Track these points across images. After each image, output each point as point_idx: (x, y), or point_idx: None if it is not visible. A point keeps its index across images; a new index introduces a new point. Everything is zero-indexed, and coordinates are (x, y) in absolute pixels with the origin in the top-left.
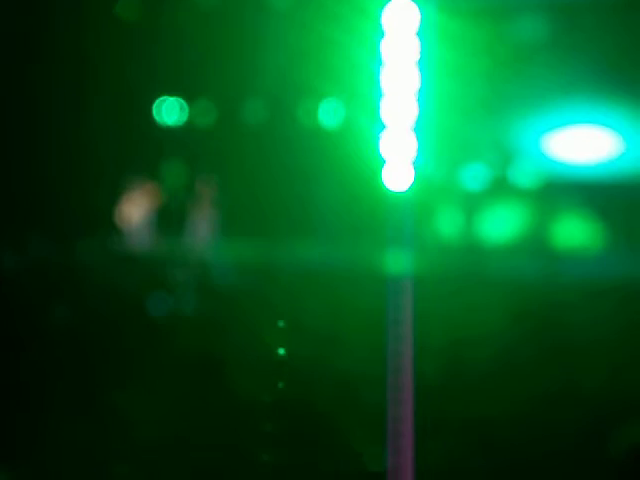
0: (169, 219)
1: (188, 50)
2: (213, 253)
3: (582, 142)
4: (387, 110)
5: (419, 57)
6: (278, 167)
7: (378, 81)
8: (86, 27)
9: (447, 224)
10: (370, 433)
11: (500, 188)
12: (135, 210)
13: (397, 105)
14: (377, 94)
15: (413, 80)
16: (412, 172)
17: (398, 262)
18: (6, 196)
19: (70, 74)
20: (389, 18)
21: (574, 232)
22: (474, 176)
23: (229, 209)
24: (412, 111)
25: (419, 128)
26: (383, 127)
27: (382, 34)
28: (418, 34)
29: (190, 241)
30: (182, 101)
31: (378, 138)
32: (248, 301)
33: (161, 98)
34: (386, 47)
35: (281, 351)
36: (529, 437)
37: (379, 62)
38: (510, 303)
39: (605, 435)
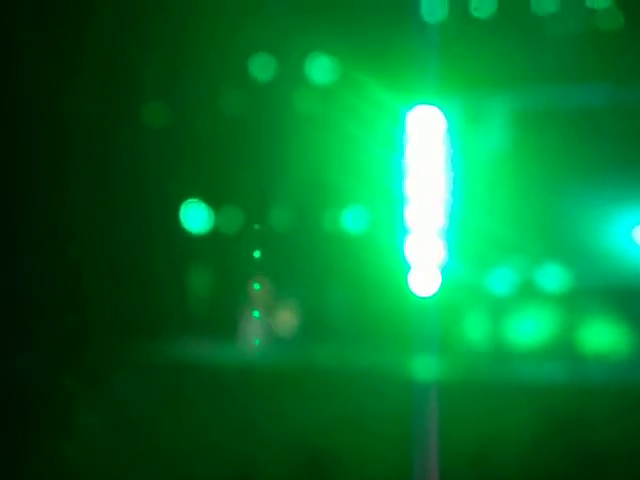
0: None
1: (214, 155)
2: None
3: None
4: (413, 214)
5: (445, 162)
6: (305, 273)
7: (403, 186)
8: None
9: (474, 328)
10: None
11: (528, 291)
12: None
13: (423, 209)
14: (403, 199)
15: (439, 185)
16: (439, 276)
17: (425, 368)
18: None
19: None
20: (415, 123)
21: (603, 336)
22: (502, 279)
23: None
24: (439, 215)
25: (446, 232)
26: (409, 232)
27: (408, 139)
28: (443, 139)
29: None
30: (208, 207)
31: (404, 242)
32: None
33: (187, 203)
34: (412, 152)
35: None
36: None
37: (405, 167)
38: (537, 407)
39: None
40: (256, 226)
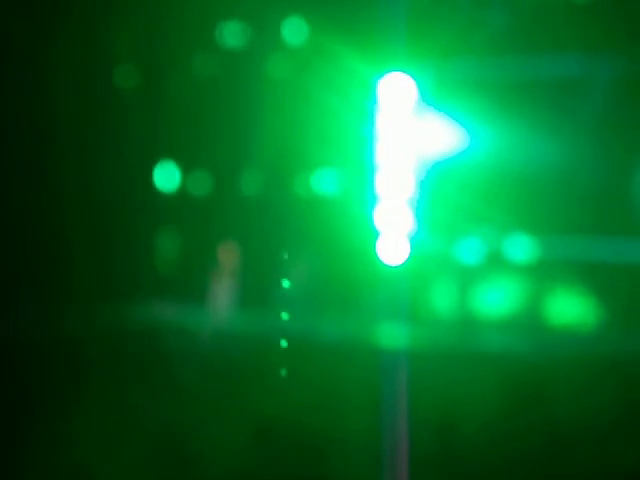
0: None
1: (184, 119)
2: (221, 323)
3: None
4: (383, 183)
5: (415, 131)
6: (272, 236)
7: (374, 153)
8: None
9: (442, 297)
10: None
11: (496, 262)
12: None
13: (392, 178)
14: (373, 166)
15: (409, 153)
16: (408, 245)
17: (392, 336)
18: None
19: None
20: (386, 90)
21: (569, 308)
22: (470, 249)
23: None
24: (408, 184)
25: (415, 201)
26: (378, 199)
27: (378, 106)
28: (414, 107)
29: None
30: (177, 169)
31: (373, 210)
32: (241, 372)
33: (158, 164)
34: (382, 119)
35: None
36: None
37: (376, 134)
38: (503, 378)
39: None
40: (228, 188)
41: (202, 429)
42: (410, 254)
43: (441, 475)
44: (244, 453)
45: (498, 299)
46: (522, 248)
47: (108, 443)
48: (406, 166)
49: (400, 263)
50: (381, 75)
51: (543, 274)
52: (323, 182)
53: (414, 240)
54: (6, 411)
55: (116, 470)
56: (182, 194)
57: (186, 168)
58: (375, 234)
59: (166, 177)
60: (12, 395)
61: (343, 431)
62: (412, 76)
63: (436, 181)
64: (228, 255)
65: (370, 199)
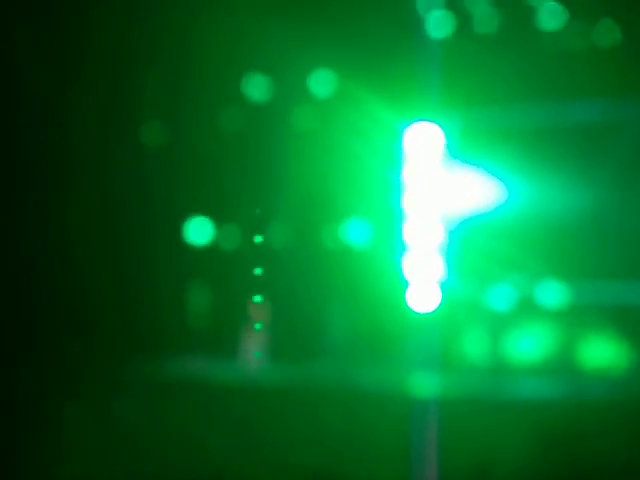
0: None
1: (213, 172)
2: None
3: None
4: (411, 231)
5: (443, 178)
6: (305, 289)
7: (402, 202)
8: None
9: (474, 344)
10: None
11: (527, 308)
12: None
13: (422, 226)
14: (401, 215)
15: (438, 201)
16: (438, 293)
17: (424, 384)
18: None
19: None
20: (413, 139)
21: (601, 352)
22: (501, 296)
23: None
24: (437, 232)
25: (445, 249)
26: (407, 248)
27: (407, 154)
28: (442, 155)
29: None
30: (208, 223)
31: (402, 259)
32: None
33: (188, 219)
34: (411, 168)
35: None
36: None
37: (404, 183)
38: (535, 423)
39: None
40: (257, 240)
41: None
42: (441, 302)
43: None
44: None
45: (530, 345)
46: (553, 294)
47: None
48: (434, 214)
49: (431, 311)
50: (410, 123)
51: (575, 319)
52: (353, 232)
53: (445, 288)
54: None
55: None
56: (212, 248)
57: (216, 222)
58: (405, 283)
59: (196, 231)
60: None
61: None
62: (440, 125)
63: (466, 228)
64: (259, 309)
65: (399, 248)
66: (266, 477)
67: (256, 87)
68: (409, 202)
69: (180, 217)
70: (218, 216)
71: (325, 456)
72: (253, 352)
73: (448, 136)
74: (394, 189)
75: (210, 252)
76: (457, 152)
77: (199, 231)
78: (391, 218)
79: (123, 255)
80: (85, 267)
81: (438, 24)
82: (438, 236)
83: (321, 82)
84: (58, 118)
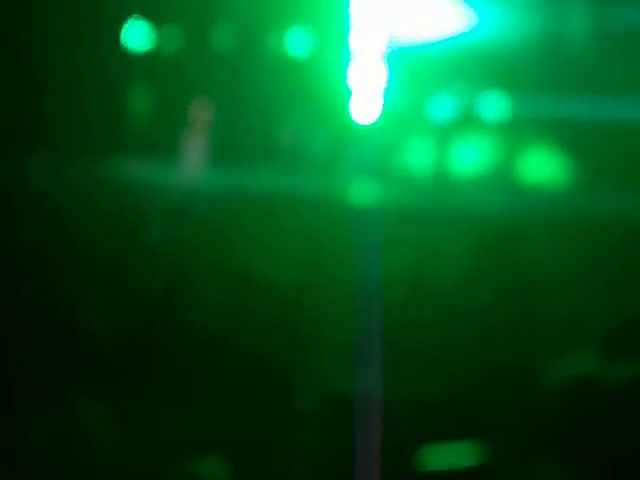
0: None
1: None
2: (196, 179)
3: None
4: (356, 41)
5: None
6: (245, 95)
7: (347, 11)
8: None
9: (414, 156)
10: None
11: (469, 120)
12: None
13: (366, 36)
14: (346, 25)
15: (382, 11)
16: (380, 103)
17: (364, 193)
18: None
19: None
20: None
21: (541, 167)
22: (443, 107)
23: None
24: (381, 42)
25: (387, 59)
26: (351, 58)
27: None
28: None
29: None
30: (149, 25)
31: (346, 69)
32: (220, 228)
33: (128, 22)
34: None
35: None
36: (480, 361)
37: None
38: (474, 236)
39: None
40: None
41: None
42: (383, 112)
43: (410, 325)
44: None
45: (469, 157)
46: (495, 106)
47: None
48: (380, 21)
49: (373, 121)
50: None
51: (515, 132)
52: (297, 41)
53: (387, 98)
54: None
55: None
56: (156, 51)
57: (159, 24)
58: (348, 93)
59: (138, 34)
60: None
61: (320, 284)
62: None
63: (411, 38)
64: (201, 112)
65: (343, 57)
66: (209, 280)
67: None
68: (355, 9)
69: (120, 18)
70: (163, 18)
71: (268, 263)
72: (194, 155)
73: None
74: None
75: (152, 55)
76: None
77: (143, 33)
78: (336, 25)
79: (68, 63)
80: (34, 70)
81: None
82: (382, 45)
83: None
84: None
